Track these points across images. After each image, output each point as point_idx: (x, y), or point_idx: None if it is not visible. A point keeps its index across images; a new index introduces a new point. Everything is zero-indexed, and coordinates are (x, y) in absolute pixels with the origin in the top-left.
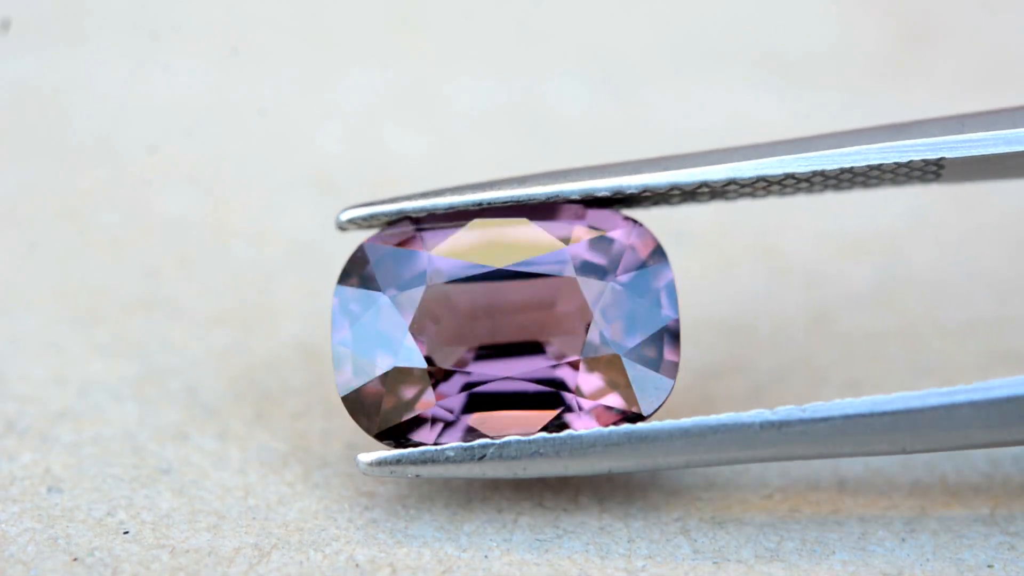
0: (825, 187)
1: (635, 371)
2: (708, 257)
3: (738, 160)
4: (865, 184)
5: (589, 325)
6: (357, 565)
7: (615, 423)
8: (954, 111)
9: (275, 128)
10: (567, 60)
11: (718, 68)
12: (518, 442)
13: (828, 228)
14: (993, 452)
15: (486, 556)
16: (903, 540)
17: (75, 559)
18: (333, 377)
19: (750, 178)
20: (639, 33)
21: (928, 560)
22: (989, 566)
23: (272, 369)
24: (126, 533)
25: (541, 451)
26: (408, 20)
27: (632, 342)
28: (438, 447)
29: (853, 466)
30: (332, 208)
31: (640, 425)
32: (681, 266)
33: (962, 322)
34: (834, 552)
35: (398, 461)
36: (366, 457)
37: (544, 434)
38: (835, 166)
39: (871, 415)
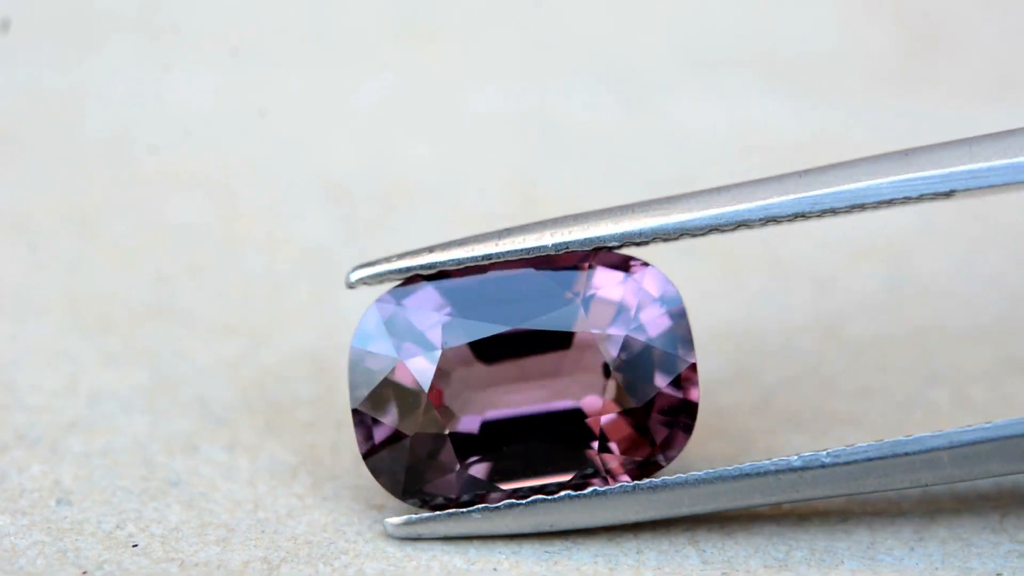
0: (835, 216)
1: (654, 416)
2: (716, 265)
3: (747, 201)
4: (875, 210)
5: (606, 372)
6: None
7: (636, 466)
8: (963, 117)
9: (285, 135)
10: (576, 67)
11: (728, 74)
12: (544, 501)
13: (836, 235)
14: None
15: (495, 568)
16: (912, 549)
17: (84, 572)
18: (343, 389)
19: (760, 219)
20: (649, 39)
21: (937, 569)
22: (998, 574)
23: (282, 379)
24: (135, 546)
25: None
26: (419, 26)
27: (649, 387)
28: (464, 510)
29: None
30: (342, 215)
31: (664, 479)
32: (689, 275)
33: (971, 329)
34: (843, 561)
35: (425, 522)
36: (393, 520)
37: (569, 492)
38: (845, 204)
39: (893, 457)
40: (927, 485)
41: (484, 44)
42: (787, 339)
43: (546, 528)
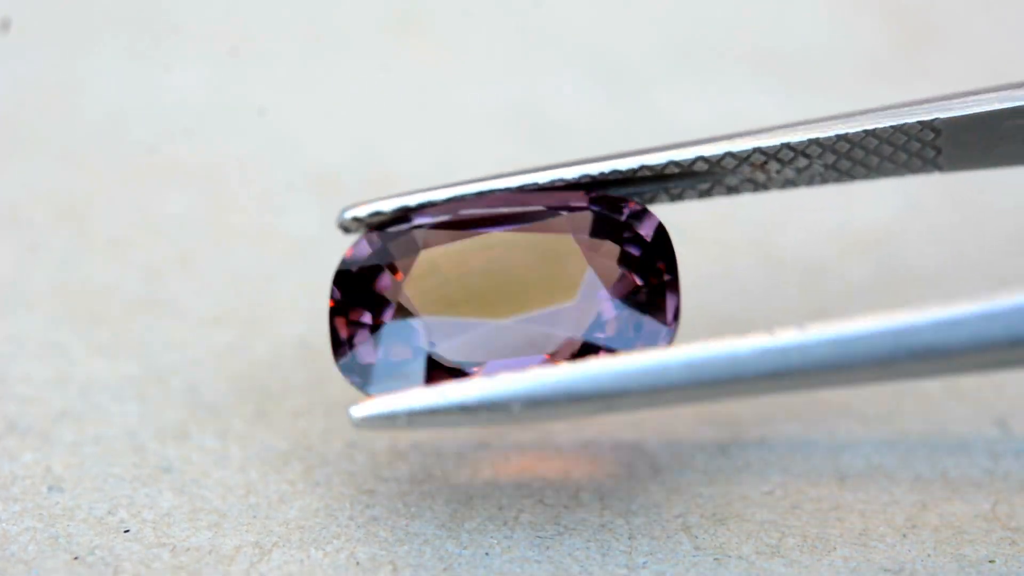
0: (825, 167)
1: (639, 332)
2: (705, 252)
3: (735, 139)
4: (865, 164)
5: (593, 298)
6: (358, 563)
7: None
8: None
9: (275, 128)
10: (567, 59)
11: (719, 69)
12: (512, 367)
13: (825, 223)
14: (995, 447)
15: (487, 554)
16: (904, 536)
17: (76, 558)
18: (333, 377)
19: (748, 150)
20: (639, 33)
21: (929, 556)
22: (990, 561)
23: (273, 368)
24: (127, 532)
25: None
26: (409, 19)
27: (635, 312)
28: (429, 390)
29: (854, 461)
30: (332, 207)
31: (634, 355)
32: (679, 262)
33: None
34: (835, 548)
35: (391, 415)
36: (357, 409)
37: (536, 369)
38: (831, 133)
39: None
40: (923, 376)
41: (475, 37)
42: (775, 325)
43: (516, 414)
